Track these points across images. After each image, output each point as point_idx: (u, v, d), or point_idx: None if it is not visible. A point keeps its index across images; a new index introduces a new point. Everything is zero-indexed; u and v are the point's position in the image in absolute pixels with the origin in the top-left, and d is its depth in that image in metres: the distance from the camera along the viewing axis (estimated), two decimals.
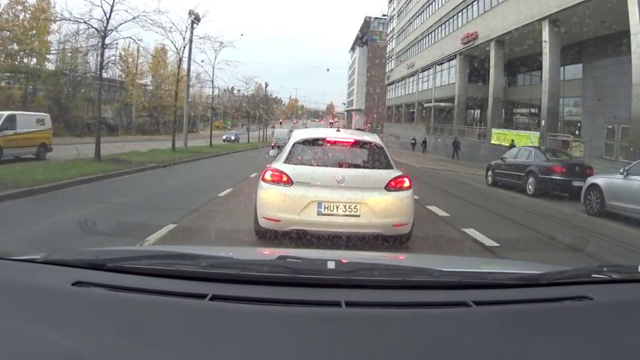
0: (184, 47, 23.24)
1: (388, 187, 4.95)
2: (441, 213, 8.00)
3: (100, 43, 15.18)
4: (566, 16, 20.92)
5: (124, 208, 7.33)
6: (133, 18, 14.97)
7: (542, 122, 23.04)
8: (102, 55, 15.78)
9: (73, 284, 1.25)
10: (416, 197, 9.53)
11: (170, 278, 1.32)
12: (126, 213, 6.94)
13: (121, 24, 14.97)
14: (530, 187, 12.76)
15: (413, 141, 41.48)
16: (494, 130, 27.51)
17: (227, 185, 10.41)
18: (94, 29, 14.94)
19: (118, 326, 1.06)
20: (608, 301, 1.31)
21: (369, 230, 4.89)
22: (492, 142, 26.91)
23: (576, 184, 11.43)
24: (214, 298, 1.19)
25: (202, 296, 1.19)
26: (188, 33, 23.02)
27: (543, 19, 22.31)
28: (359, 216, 4.78)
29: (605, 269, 1.50)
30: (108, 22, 14.43)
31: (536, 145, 19.62)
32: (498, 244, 5.49)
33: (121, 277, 1.32)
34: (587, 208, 9.69)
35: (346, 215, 4.78)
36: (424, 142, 38.84)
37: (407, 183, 5.07)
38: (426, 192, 11.34)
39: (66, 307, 1.15)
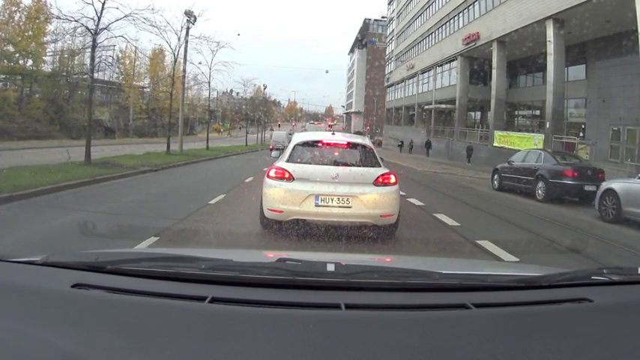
0: (180, 47, 22.75)
1: (376, 183, 5.54)
2: (450, 222, 7.42)
3: (91, 42, 14.79)
4: (568, 16, 20.42)
5: (104, 217, 6.74)
6: (125, 16, 14.66)
7: (547, 124, 22.42)
8: (92, 53, 15.35)
9: (72, 286, 1.25)
10: (422, 204, 9.23)
11: (169, 280, 1.31)
12: (104, 222, 6.34)
13: (112, 22, 14.70)
14: (539, 192, 12.18)
15: (400, 143, 44.41)
16: (496, 133, 26.90)
17: (220, 191, 9.82)
18: (85, 28, 14.55)
19: (117, 328, 1.05)
20: (607, 303, 1.30)
21: (359, 220, 5.51)
22: (495, 144, 26.33)
23: (588, 188, 11.08)
24: (214, 300, 1.19)
25: (202, 299, 1.19)
26: (183, 32, 22.53)
27: (547, 18, 21.78)
28: (351, 207, 5.38)
29: (604, 271, 1.48)
30: (99, 20, 14.12)
31: (541, 147, 19.06)
32: (518, 260, 4.87)
33: (120, 279, 1.31)
34: (603, 215, 9.19)
35: (340, 207, 5.38)
36: (411, 144, 41.49)
37: (393, 179, 5.64)
38: (431, 198, 10.86)
39: (65, 309, 1.14)
